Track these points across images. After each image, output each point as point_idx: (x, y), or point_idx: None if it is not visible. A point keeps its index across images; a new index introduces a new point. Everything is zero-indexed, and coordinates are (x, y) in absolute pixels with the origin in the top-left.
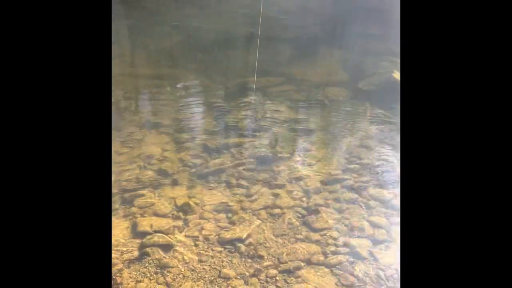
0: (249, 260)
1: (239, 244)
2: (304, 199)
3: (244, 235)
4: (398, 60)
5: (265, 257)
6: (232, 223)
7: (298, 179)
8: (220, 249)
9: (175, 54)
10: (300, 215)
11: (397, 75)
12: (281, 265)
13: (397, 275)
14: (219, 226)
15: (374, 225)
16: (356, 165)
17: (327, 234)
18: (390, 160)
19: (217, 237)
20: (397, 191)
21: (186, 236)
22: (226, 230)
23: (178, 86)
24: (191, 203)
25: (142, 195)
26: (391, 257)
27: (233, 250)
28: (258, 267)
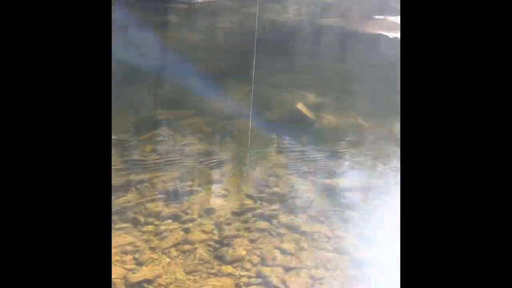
0: None
1: (148, 286)
2: (216, 231)
3: (153, 276)
4: (300, 92)
5: None
6: (140, 264)
7: (209, 212)
8: None
9: None
10: (212, 249)
11: (300, 105)
12: None
13: None
14: (125, 269)
15: (285, 252)
16: (265, 194)
17: (240, 266)
18: (298, 187)
19: (123, 280)
20: (305, 216)
21: None
22: (133, 272)
23: None
24: None
25: None
26: (302, 284)
27: None
28: None
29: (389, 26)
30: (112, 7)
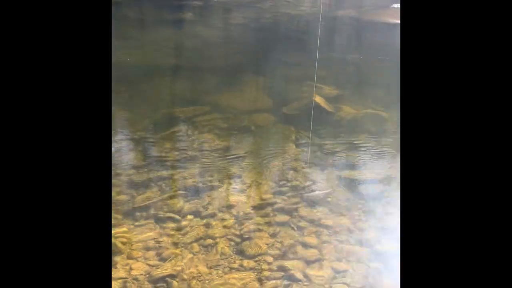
0: None
1: (171, 281)
2: (236, 226)
3: (176, 271)
4: (318, 85)
5: None
6: (163, 259)
7: (230, 207)
8: None
9: None
10: (233, 243)
11: (318, 98)
12: None
13: None
14: (149, 265)
15: (306, 245)
16: (285, 188)
17: (261, 260)
18: (316, 181)
19: (147, 276)
20: (325, 209)
21: (113, 279)
22: (156, 268)
23: None
24: (118, 243)
25: None
26: (324, 276)
27: None
28: None
29: None
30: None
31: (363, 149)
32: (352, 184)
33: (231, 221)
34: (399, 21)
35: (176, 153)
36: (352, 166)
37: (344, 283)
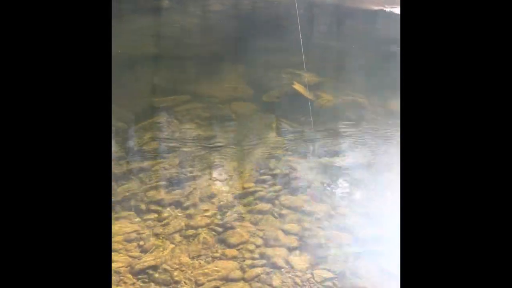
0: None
1: (153, 272)
2: (218, 216)
3: (158, 262)
4: (297, 72)
5: (182, 281)
6: (144, 251)
7: (211, 196)
8: (133, 280)
9: None
10: (215, 233)
11: (297, 86)
12: (198, 287)
13: (313, 278)
14: (130, 256)
15: (288, 233)
16: (267, 176)
17: (244, 248)
18: (297, 168)
19: (129, 268)
20: (307, 197)
21: None
22: (138, 259)
23: None
24: None
25: None
26: (305, 263)
27: (147, 280)
28: None
29: (386, 0)
30: None
31: (343, 135)
32: (332, 171)
33: (213, 211)
34: (380, 8)
35: (156, 143)
36: (333, 153)
37: (325, 268)
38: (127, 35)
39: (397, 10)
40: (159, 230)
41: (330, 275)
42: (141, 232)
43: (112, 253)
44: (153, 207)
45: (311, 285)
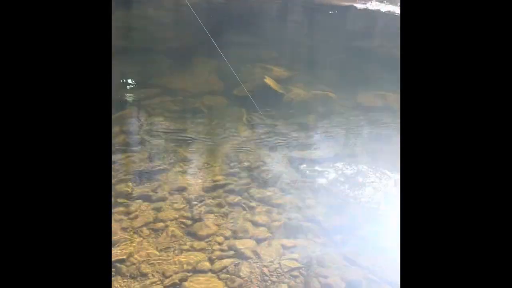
0: (132, 281)
1: (120, 265)
2: (187, 208)
3: (125, 255)
4: (269, 66)
5: (149, 274)
6: (112, 245)
7: (181, 189)
8: None
9: None
10: (184, 226)
11: (268, 80)
12: (166, 279)
13: (280, 269)
14: None
15: (257, 224)
16: (236, 169)
17: (212, 240)
18: (267, 161)
19: None
20: (276, 189)
21: None
22: None
23: None
24: None
25: None
26: (273, 253)
27: (114, 273)
28: (142, 286)
29: None
30: None
31: (313, 129)
32: (300, 163)
33: (182, 205)
34: (351, 4)
35: (125, 136)
36: (302, 146)
37: (292, 258)
38: None
39: (367, 6)
40: (126, 223)
41: (297, 264)
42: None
43: None
44: (120, 200)
45: (279, 275)
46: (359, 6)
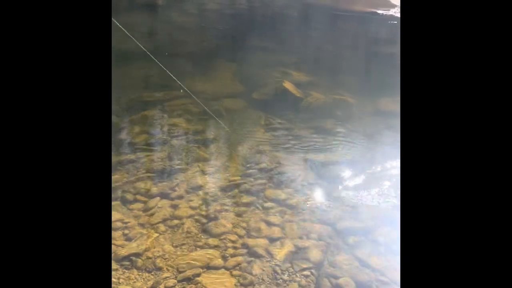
0: (147, 274)
1: (136, 259)
2: (203, 207)
3: (141, 250)
4: (288, 71)
5: (164, 268)
6: (129, 239)
7: (197, 188)
8: (116, 266)
9: None
10: (199, 223)
11: (287, 84)
12: (180, 274)
13: (292, 268)
14: (114, 244)
15: (270, 224)
16: (253, 170)
17: (226, 238)
18: (283, 163)
19: (112, 255)
20: (291, 190)
21: None
22: (122, 247)
23: None
24: None
25: None
26: (285, 253)
27: (129, 266)
28: (157, 279)
29: (379, 3)
30: None
31: (330, 132)
32: (318, 166)
33: (198, 202)
34: (374, 10)
35: (146, 136)
36: (319, 150)
37: (304, 258)
38: (123, 31)
39: (390, 12)
40: (144, 219)
41: (309, 264)
42: (127, 221)
43: None
44: (139, 197)
45: (290, 274)
46: (382, 11)
